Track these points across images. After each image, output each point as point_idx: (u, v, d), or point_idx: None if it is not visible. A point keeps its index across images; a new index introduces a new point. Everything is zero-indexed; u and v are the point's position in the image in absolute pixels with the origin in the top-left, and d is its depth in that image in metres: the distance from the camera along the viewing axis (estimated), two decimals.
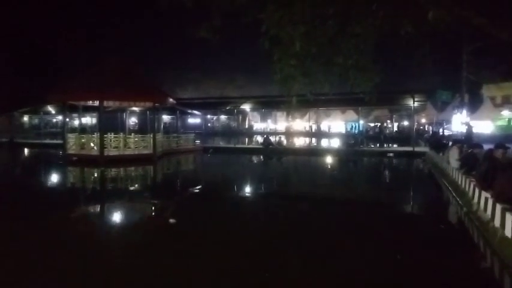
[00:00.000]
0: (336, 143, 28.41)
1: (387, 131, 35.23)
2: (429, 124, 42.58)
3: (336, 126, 44.68)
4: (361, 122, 40.28)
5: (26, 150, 27.78)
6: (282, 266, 5.26)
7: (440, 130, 31.49)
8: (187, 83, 57.98)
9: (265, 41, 5.53)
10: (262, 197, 11.03)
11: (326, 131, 43.31)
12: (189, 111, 34.33)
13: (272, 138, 25.94)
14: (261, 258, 5.52)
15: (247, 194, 11.30)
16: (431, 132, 33.19)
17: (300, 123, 48.76)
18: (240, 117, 49.45)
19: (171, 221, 8.07)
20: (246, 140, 36.38)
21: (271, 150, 23.04)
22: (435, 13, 4.98)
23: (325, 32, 5.66)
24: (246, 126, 50.03)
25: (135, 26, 58.96)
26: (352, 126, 39.68)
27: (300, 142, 32.07)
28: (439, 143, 17.44)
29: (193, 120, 47.30)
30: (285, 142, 26.99)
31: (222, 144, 31.04)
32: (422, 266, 5.21)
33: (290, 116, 47.17)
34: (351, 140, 24.75)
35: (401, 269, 5.17)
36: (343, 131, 40.19)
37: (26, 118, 48.20)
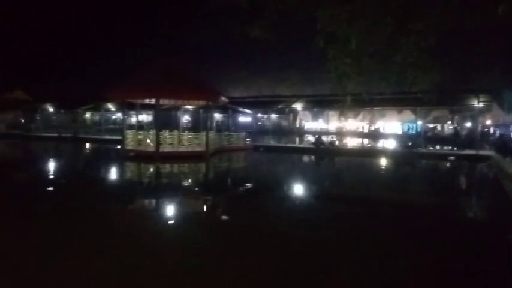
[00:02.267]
0: (391, 144, 27.47)
1: (463, 134, 33.20)
2: (495, 126, 39.77)
3: (391, 127, 43.13)
4: (419, 122, 38.55)
5: (87, 145, 29.74)
6: (336, 270, 5.25)
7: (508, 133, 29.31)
8: (238, 82, 58.88)
9: (320, 39, 5.52)
10: (314, 197, 10.98)
11: (381, 131, 41.98)
12: (241, 109, 34.88)
13: (324, 138, 25.65)
14: (312, 261, 5.54)
15: (298, 194, 11.32)
16: (497, 135, 31.01)
17: (353, 123, 47.64)
18: (291, 116, 49.31)
19: (224, 217, 8.30)
20: (297, 139, 36.26)
21: (323, 151, 22.80)
22: (506, 6, 4.69)
23: (383, 29, 5.54)
24: (297, 125, 49.77)
25: (188, 27, 60.87)
26: (409, 127, 38.09)
27: (352, 143, 31.38)
28: (506, 147, 16.30)
29: (244, 118, 47.94)
30: (337, 142, 26.56)
31: (272, 143, 31.21)
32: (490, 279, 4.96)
33: (343, 116, 46.24)
34: (409, 141, 23.82)
35: (468, 280, 4.95)
36: (399, 131, 38.70)
37: (88, 115, 51.46)
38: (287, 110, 40.34)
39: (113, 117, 51.71)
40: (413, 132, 35.03)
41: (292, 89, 53.30)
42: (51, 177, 14.35)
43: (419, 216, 8.59)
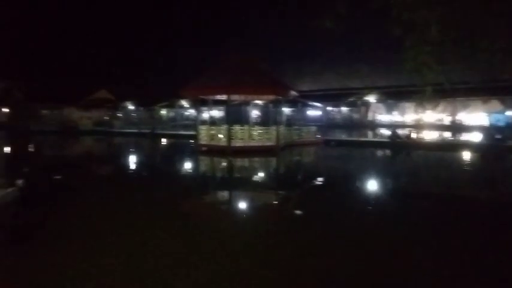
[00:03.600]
0: (476, 138, 25.44)
1: None
2: None
3: (476, 118, 39.87)
4: (509, 113, 35.17)
5: (164, 140, 31.61)
6: (417, 272, 5.10)
7: None
8: (307, 75, 58.32)
9: (396, 27, 5.32)
10: (390, 194, 10.62)
11: (464, 123, 39.02)
12: (310, 103, 34.63)
13: (399, 131, 24.55)
14: (390, 261, 5.43)
15: (374, 190, 11.02)
16: None
17: (432, 115, 44.85)
18: (363, 108, 47.84)
19: (297, 212, 8.40)
20: (370, 133, 35.09)
21: (399, 144, 21.84)
22: None
23: (469, 13, 5.19)
24: (370, 118, 48.13)
25: (256, 22, 61.63)
26: (497, 119, 34.93)
27: (431, 136, 29.58)
28: None
29: (314, 112, 47.49)
30: (414, 135, 25.24)
31: (343, 137, 30.57)
32: None
33: (421, 108, 43.72)
34: (497, 134, 21.89)
35: None
36: (486, 123, 35.64)
37: (164, 112, 54.59)
38: (359, 102, 39.23)
39: (186, 113, 54.26)
40: (502, 123, 32.04)
41: (363, 80, 51.56)
42: (135, 169, 15.60)
43: None
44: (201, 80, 21.47)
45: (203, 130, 21.58)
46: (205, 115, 30.36)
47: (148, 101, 45.75)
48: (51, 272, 4.90)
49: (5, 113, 46.50)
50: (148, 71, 60.99)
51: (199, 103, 24.54)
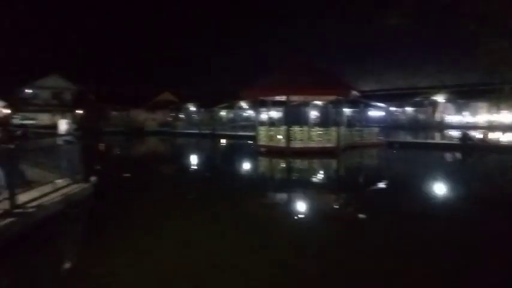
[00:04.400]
0: None
1: None
2: None
3: None
4: None
5: (224, 141, 32.41)
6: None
7: None
8: (369, 75, 56.71)
9: (469, 21, 5.06)
10: (461, 200, 10.00)
11: None
12: (372, 103, 33.61)
13: (471, 133, 23.02)
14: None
15: (443, 195, 10.47)
16: None
17: (508, 116, 41.39)
18: (430, 109, 45.41)
19: (360, 216, 8.24)
20: (438, 134, 33.25)
21: (471, 147, 20.49)
22: None
23: None
24: (438, 119, 45.57)
25: (314, 21, 60.99)
26: None
27: (507, 138, 27.35)
28: None
29: (376, 113, 45.96)
30: (488, 138, 23.51)
31: (408, 138, 29.28)
32: None
33: (496, 108, 40.58)
34: None
35: None
36: None
37: (223, 113, 55.91)
38: (426, 102, 37.33)
39: (245, 114, 55.10)
40: None
41: (430, 79, 48.99)
42: (197, 169, 16.22)
43: None
44: (260, 81, 21.75)
45: (262, 131, 21.82)
46: (264, 116, 30.65)
47: (209, 102, 47.16)
48: (124, 257, 5.29)
49: (79, 114, 50.43)
50: (210, 74, 62.88)
51: (258, 104, 24.84)
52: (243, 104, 45.05)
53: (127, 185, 11.64)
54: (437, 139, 28.71)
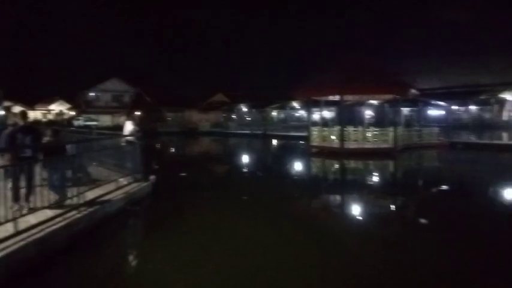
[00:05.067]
0: None
1: None
2: None
3: None
4: None
5: (275, 141, 32.43)
6: None
7: None
8: (428, 72, 54.09)
9: None
10: None
11: None
12: (432, 102, 32.01)
13: None
14: None
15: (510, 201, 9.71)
16: None
17: None
18: (497, 107, 42.38)
19: (422, 220, 7.84)
20: (505, 134, 30.94)
21: None
22: None
23: None
24: (505, 118, 42.41)
25: (367, 18, 59.25)
26: None
27: None
28: None
29: (436, 112, 43.69)
30: None
31: (472, 139, 27.52)
32: None
33: None
34: None
35: None
36: None
37: (275, 113, 56.00)
38: (492, 100, 34.88)
39: (297, 114, 54.77)
40: None
41: (497, 76, 45.73)
42: (250, 169, 16.35)
43: None
44: (313, 80, 21.49)
45: (315, 131, 21.54)
46: (316, 116, 30.27)
47: (260, 102, 47.46)
48: (184, 250, 5.43)
49: (138, 116, 52.85)
50: (262, 74, 63.29)
51: (310, 104, 24.57)
52: (295, 104, 44.79)
53: (183, 183, 11.98)
54: (504, 140, 26.71)
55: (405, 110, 39.19)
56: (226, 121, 50.53)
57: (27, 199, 5.97)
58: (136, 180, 9.27)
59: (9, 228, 4.83)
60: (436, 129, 24.36)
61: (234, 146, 30.99)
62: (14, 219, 4.97)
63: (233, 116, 53.74)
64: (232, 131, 42.23)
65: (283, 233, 6.67)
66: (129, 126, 10.65)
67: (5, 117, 32.21)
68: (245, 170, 16.44)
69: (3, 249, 4.43)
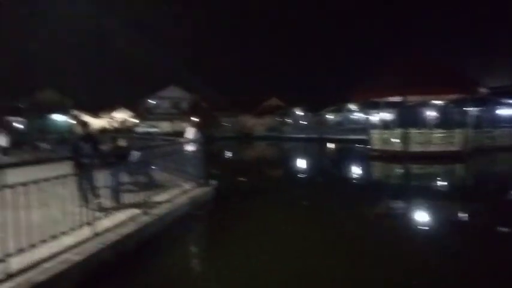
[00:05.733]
0: None
1: None
2: None
3: None
4: None
5: (332, 145, 31.86)
6: None
7: None
8: (500, 68, 50.37)
9: None
10: None
11: None
12: (504, 101, 29.78)
13: None
14: None
15: None
16: None
17: None
18: None
19: (503, 229, 7.27)
20: None
21: None
22: None
23: None
24: None
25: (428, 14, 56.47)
26: None
27: None
28: None
29: (508, 111, 40.53)
30: None
31: None
32: None
33: None
34: None
35: None
36: None
37: (331, 116, 55.19)
38: None
39: (354, 117, 53.52)
40: None
41: None
42: (309, 174, 16.17)
43: None
44: (371, 81, 20.83)
45: (375, 134, 20.85)
46: (375, 118, 29.36)
47: (316, 106, 47.01)
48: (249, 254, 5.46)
49: (195, 121, 54.56)
50: (317, 77, 62.69)
51: (369, 106, 23.87)
52: (352, 106, 43.80)
53: (244, 188, 12.12)
54: None
55: (473, 110, 36.76)
56: (281, 125, 50.56)
57: (95, 203, 6.29)
58: (199, 185, 9.50)
59: (85, 232, 5.14)
60: (509, 130, 22.60)
61: (290, 150, 30.88)
62: (90, 223, 5.27)
63: (288, 120, 53.68)
64: (288, 135, 42.15)
65: (344, 240, 6.49)
66: (191, 132, 10.95)
67: (73, 125, 34.67)
68: (303, 174, 16.29)
69: (83, 251, 4.71)
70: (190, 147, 10.27)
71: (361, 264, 5.38)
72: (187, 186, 9.26)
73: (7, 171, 3.99)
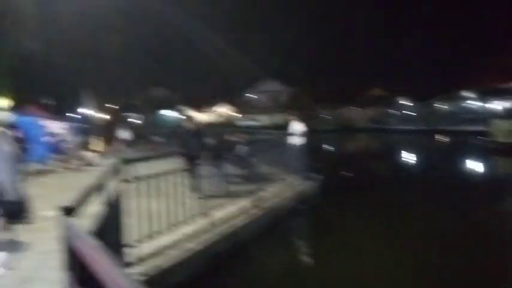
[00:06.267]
0: None
1: None
2: None
3: None
4: None
5: (445, 138, 29.31)
6: None
7: None
8: None
9: None
10: None
11: None
12: None
13: None
14: None
15: None
16: None
17: None
18: None
19: None
20: None
21: None
22: None
23: None
24: None
25: None
26: None
27: None
28: None
29: None
30: None
31: None
32: None
33: None
34: None
35: None
36: None
37: (442, 105, 50.95)
38: None
39: (470, 105, 48.68)
40: None
41: None
42: (420, 170, 15.15)
43: None
44: (494, 64, 18.63)
45: (500, 125, 18.60)
46: (497, 107, 26.30)
47: (423, 94, 43.75)
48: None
49: (295, 115, 54.79)
50: (424, 64, 58.37)
51: (489, 93, 21.44)
52: (467, 94, 39.82)
53: (349, 183, 11.82)
54: None
55: None
56: (386, 116, 48.14)
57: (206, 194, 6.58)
58: (303, 179, 9.49)
59: (202, 222, 5.45)
60: None
61: (396, 143, 29.25)
62: (205, 214, 5.57)
63: (393, 111, 50.84)
64: (393, 127, 39.93)
65: (464, 245, 5.89)
66: (296, 126, 10.94)
67: (180, 119, 37.26)
68: (413, 170, 15.27)
69: (202, 240, 5.01)
70: (295, 141, 10.29)
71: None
72: (292, 180, 9.30)
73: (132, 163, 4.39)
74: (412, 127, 36.17)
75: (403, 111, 49.34)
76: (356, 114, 51.86)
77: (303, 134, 10.38)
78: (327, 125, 49.34)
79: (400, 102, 47.42)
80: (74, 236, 1.92)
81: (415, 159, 18.71)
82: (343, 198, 9.41)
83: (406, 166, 16.34)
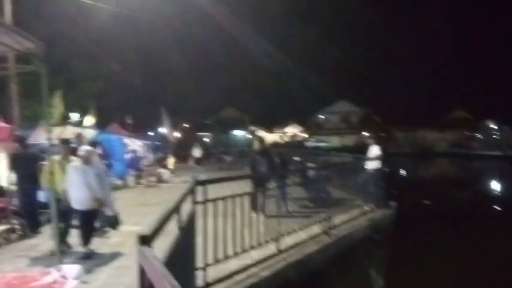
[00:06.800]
0: None
1: None
2: None
3: None
4: None
5: None
6: None
7: None
8: None
9: None
10: None
11: None
12: None
13: None
14: None
15: None
16: None
17: None
18: None
19: None
20: None
21: None
22: None
23: None
24: None
25: None
26: None
27: None
28: None
29: None
30: None
31: None
32: None
33: None
34: None
35: None
36: None
37: None
38: None
39: None
40: None
41: None
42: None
43: None
44: None
45: None
46: None
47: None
48: None
49: (366, 137, 53.08)
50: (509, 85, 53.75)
51: None
52: None
53: (427, 213, 11.01)
54: None
55: None
56: (469, 141, 44.74)
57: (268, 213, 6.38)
58: (378, 207, 8.97)
59: (270, 247, 5.30)
60: None
61: (481, 170, 26.99)
62: (273, 238, 5.42)
63: (477, 135, 47.15)
64: (477, 153, 36.96)
65: None
66: (375, 150, 10.46)
67: (251, 140, 37.96)
68: (503, 202, 13.84)
69: (269, 266, 4.86)
70: (371, 165, 9.83)
71: None
72: (366, 206, 8.84)
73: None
74: (498, 152, 33.15)
75: (489, 135, 45.59)
76: (435, 137, 48.87)
77: (379, 158, 9.89)
78: (402, 147, 47.07)
79: (486, 124, 43.84)
80: (145, 261, 1.92)
81: (499, 189, 16.98)
82: (421, 229, 8.75)
83: (490, 196, 14.88)
